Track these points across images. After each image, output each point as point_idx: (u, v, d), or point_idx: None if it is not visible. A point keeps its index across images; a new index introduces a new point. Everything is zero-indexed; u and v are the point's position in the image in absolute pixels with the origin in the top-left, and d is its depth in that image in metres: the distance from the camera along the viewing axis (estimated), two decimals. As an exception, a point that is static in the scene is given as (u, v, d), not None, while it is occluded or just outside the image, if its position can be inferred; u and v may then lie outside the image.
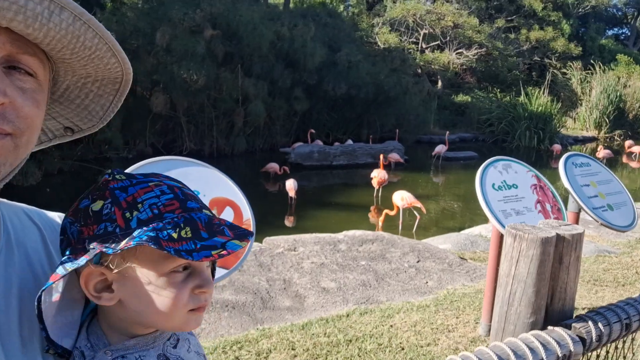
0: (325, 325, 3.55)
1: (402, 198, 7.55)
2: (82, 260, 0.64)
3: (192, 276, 0.70)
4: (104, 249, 0.63)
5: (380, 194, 9.49)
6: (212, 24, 12.51)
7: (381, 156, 10.20)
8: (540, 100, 19.22)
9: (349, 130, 15.80)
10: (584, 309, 3.87)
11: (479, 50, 23.28)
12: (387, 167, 12.35)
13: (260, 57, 12.96)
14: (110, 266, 0.67)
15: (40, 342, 0.68)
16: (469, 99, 22.80)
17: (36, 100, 0.64)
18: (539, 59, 26.11)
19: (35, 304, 0.65)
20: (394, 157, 12.50)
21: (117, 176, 0.70)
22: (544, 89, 20.43)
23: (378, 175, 9.29)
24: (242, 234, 0.70)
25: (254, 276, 4.61)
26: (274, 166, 10.44)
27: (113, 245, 0.63)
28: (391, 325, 3.54)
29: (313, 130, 13.05)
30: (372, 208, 9.10)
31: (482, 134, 19.62)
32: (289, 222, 8.53)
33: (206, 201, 2.19)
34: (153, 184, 0.69)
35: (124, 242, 0.63)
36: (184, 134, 12.66)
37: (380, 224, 7.46)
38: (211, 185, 2.23)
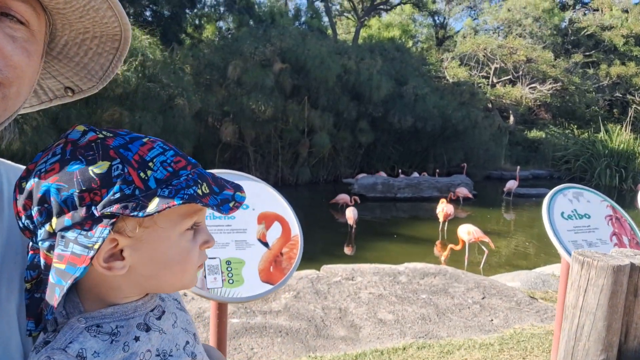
0: (380, 357, 3.40)
1: (468, 232, 7.25)
2: (105, 232, 0.59)
3: (198, 233, 0.69)
4: (134, 214, 0.58)
5: (446, 228, 9.19)
6: (282, 58, 12.91)
7: (451, 193, 9.77)
8: (621, 137, 18.15)
9: (415, 164, 15.58)
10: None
11: (553, 85, 22.45)
12: (455, 201, 12.00)
13: (326, 90, 13.17)
14: (127, 232, 0.62)
15: (18, 305, 0.65)
16: (543, 135, 21.93)
17: (27, 50, 0.61)
18: (620, 95, 24.78)
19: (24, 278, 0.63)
20: (462, 191, 12.12)
21: (104, 133, 0.63)
22: (626, 126, 19.29)
23: (444, 209, 8.97)
24: (237, 186, 0.69)
25: (309, 303, 4.53)
26: (344, 197, 10.29)
27: (139, 208, 0.58)
28: (450, 362, 3.33)
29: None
30: (437, 242, 8.81)
31: (557, 171, 18.72)
32: (348, 250, 8.45)
33: (255, 215, 2.18)
34: (146, 139, 0.65)
35: (157, 202, 0.58)
36: (251, 163, 12.98)
37: (443, 258, 7.18)
38: (260, 199, 2.21)
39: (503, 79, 23.31)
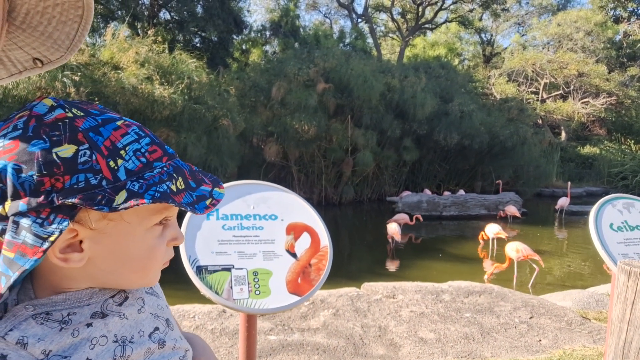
0: (419, 376, 3.27)
1: (517, 250, 6.99)
2: (64, 223, 0.54)
3: (166, 228, 0.64)
4: (98, 207, 0.53)
5: (495, 246, 8.89)
6: (325, 78, 13.03)
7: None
8: (684, 150, 17.19)
9: (462, 182, 15.26)
10: None
11: (608, 99, 21.60)
12: (504, 220, 11.63)
13: (370, 109, 13.16)
14: (89, 224, 0.57)
15: None
16: (598, 151, 21.06)
17: None
18: (681, 107, 23.54)
19: None
20: (510, 209, 11.74)
21: (74, 110, 0.57)
22: (689, 139, 18.28)
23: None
24: (215, 180, 0.65)
25: (348, 321, 4.45)
26: (404, 217, 9.95)
27: (105, 202, 0.54)
28: (493, 383, 3.17)
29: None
30: (484, 260, 8.53)
31: (613, 187, 17.87)
32: (392, 265, 8.33)
33: (284, 225, 2.17)
34: (121, 122, 0.59)
35: (124, 197, 0.54)
36: (295, 182, 13.06)
37: (487, 276, 6.94)
38: (290, 210, 2.20)
39: (554, 94, 22.65)
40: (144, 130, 0.61)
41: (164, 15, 16.09)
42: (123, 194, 0.55)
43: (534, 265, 7.14)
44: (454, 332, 4.27)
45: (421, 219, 10.15)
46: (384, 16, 26.81)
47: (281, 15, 18.32)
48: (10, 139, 0.55)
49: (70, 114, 0.57)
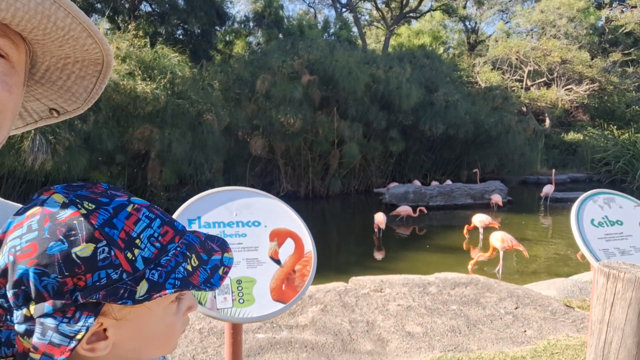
0: (406, 372, 3.31)
1: (502, 240, 7.06)
2: (90, 320, 0.55)
3: (181, 300, 0.67)
4: (122, 302, 0.55)
5: (482, 236, 8.98)
6: (310, 70, 12.97)
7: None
8: (665, 136, 17.44)
9: (448, 171, 15.35)
10: None
11: (591, 86, 21.79)
12: (489, 209, 11.73)
13: (355, 100, 13.14)
14: (112, 315, 0.59)
15: None
16: (581, 137, 21.28)
17: (6, 84, 0.61)
18: (663, 92, 23.84)
19: None
20: (496, 198, 11.85)
21: (86, 205, 0.58)
22: (670, 124, 18.53)
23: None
24: (222, 243, 0.67)
25: (336, 317, 4.47)
26: (406, 209, 10.00)
27: (128, 295, 0.55)
28: (479, 377, 3.21)
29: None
30: (471, 251, 8.61)
31: (596, 173, 18.11)
32: (378, 255, 8.40)
33: (267, 232, 2.16)
34: (130, 207, 0.60)
35: (146, 288, 0.56)
36: (282, 176, 13.04)
37: (470, 266, 7.02)
38: (273, 216, 2.19)
39: (537, 81, 22.79)
40: (152, 210, 0.62)
41: (145, 7, 15.86)
42: (144, 285, 0.56)
43: (501, 259, 7.23)
44: (441, 326, 4.31)
45: (425, 210, 10.22)
46: (368, 5, 26.70)
47: (265, 6, 18.15)
48: (27, 241, 0.55)
49: (83, 210, 0.57)
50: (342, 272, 6.96)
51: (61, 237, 0.55)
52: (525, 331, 4.25)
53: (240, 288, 2.00)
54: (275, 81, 12.21)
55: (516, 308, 4.76)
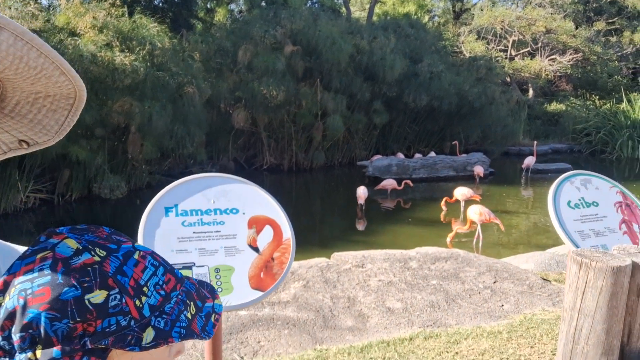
0: (386, 349, 3.38)
1: (480, 213, 7.17)
2: None
3: (172, 346, 0.67)
4: (130, 348, 0.57)
5: (464, 210, 9.09)
6: (292, 40, 12.76)
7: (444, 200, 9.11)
8: (645, 106, 17.64)
9: (431, 143, 15.39)
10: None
11: (574, 56, 21.84)
12: (471, 180, 11.85)
13: (339, 72, 13.01)
14: (116, 358, 0.60)
15: None
16: (564, 108, 21.42)
17: None
18: (644, 63, 24.01)
19: None
20: (478, 169, 11.95)
21: (98, 251, 0.59)
22: (650, 95, 18.72)
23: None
24: (211, 290, 0.69)
25: (318, 293, 4.52)
26: (391, 183, 10.09)
27: (135, 342, 0.57)
28: (456, 353, 3.29)
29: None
30: (452, 223, 8.72)
31: (577, 144, 18.32)
32: (360, 225, 8.60)
33: (245, 219, 2.15)
34: (137, 254, 0.62)
35: (152, 335, 0.58)
36: (265, 149, 12.96)
37: (449, 239, 7.14)
38: (251, 202, 2.18)
39: (522, 51, 22.76)
40: (155, 257, 0.64)
41: (123, -26, 15.34)
42: (150, 332, 0.58)
43: (480, 233, 7.35)
44: (420, 301, 4.39)
45: (410, 183, 10.28)
46: (352, -28, 26.17)
47: (246, -28, 17.68)
48: (39, 285, 0.56)
49: (97, 257, 0.58)
50: (325, 246, 7.02)
51: (75, 283, 0.56)
52: (502, 305, 4.35)
53: (218, 277, 1.99)
54: (257, 52, 12.01)
55: (494, 282, 4.86)
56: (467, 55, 20.03)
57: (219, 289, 1.97)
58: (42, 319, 0.55)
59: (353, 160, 13.77)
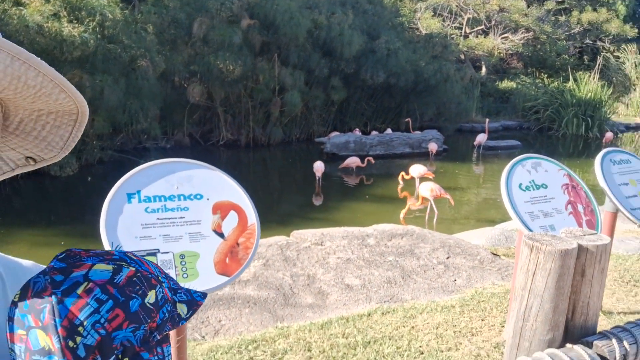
0: (345, 325, 3.48)
1: (431, 190, 7.41)
2: (169, 348, 0.66)
3: None
4: (181, 323, 0.67)
5: (418, 186, 9.31)
6: (249, 14, 12.51)
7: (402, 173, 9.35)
8: (589, 85, 18.37)
9: (388, 120, 15.57)
10: (619, 313, 3.65)
11: (525, 35, 22.41)
12: (426, 157, 12.12)
13: (297, 47, 12.88)
14: None
15: None
16: (514, 85, 22.04)
17: None
18: (591, 42, 24.93)
19: None
20: (432, 146, 12.23)
21: (127, 263, 0.65)
22: (595, 74, 19.49)
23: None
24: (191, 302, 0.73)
25: (278, 271, 4.58)
26: (354, 160, 10.23)
27: (179, 317, 0.67)
28: (412, 327, 3.44)
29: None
30: (408, 199, 8.94)
31: (527, 121, 18.96)
32: (317, 200, 8.80)
33: (210, 205, 2.16)
34: (150, 262, 0.70)
35: (184, 310, 0.68)
36: (221, 124, 12.77)
37: (402, 215, 7.36)
38: (215, 188, 2.18)
39: (476, 29, 23.14)
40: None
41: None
42: (182, 306, 0.69)
43: (435, 209, 7.60)
44: (378, 277, 4.53)
45: (372, 160, 10.43)
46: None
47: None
48: (107, 311, 0.59)
49: (132, 267, 0.64)
50: (283, 224, 7.07)
51: (133, 294, 0.61)
52: (455, 280, 4.55)
53: (183, 263, 2.00)
54: (213, 25, 11.71)
55: (447, 258, 5.05)
56: (424, 32, 20.20)
57: (184, 275, 1.98)
58: (129, 335, 0.60)
59: (311, 136, 13.79)
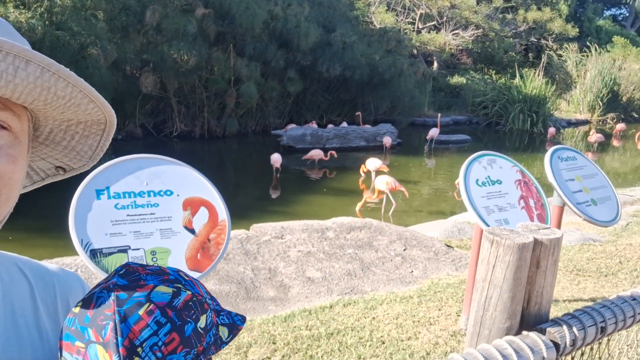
0: (308, 317, 3.55)
1: (387, 183, 7.58)
2: None
3: None
4: (222, 346, 0.69)
5: (374, 179, 9.48)
6: (204, 3, 12.29)
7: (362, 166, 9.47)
8: (535, 82, 19.14)
9: (344, 112, 15.71)
10: (564, 300, 3.89)
11: (475, 32, 23.06)
12: (381, 151, 12.33)
13: (253, 38, 12.78)
14: None
15: None
16: (464, 81, 22.68)
17: (11, 156, 0.62)
18: (535, 40, 25.93)
19: None
20: (387, 140, 12.45)
21: (184, 286, 0.66)
22: (539, 71, 20.32)
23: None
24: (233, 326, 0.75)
25: (239, 265, 4.59)
26: (318, 153, 10.30)
27: (220, 341, 0.69)
28: (373, 318, 3.54)
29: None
30: (364, 192, 9.09)
31: (476, 116, 19.57)
32: (274, 193, 8.91)
33: (180, 201, 2.16)
34: (187, 276, 0.72)
35: (226, 333, 0.70)
36: (175, 115, 12.53)
37: (358, 208, 7.51)
38: (185, 184, 2.18)
39: (428, 24, 23.60)
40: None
41: None
42: (223, 329, 0.70)
43: (392, 200, 7.79)
44: (338, 270, 4.62)
45: (335, 155, 10.51)
46: None
47: None
48: (165, 335, 0.61)
49: (189, 292, 0.66)
50: (242, 217, 7.04)
51: (188, 319, 0.63)
52: (412, 272, 4.70)
53: (155, 259, 2.01)
54: (166, 13, 11.44)
55: (404, 250, 5.21)
56: (378, 26, 20.44)
57: (157, 272, 1.98)
58: (181, 359, 0.62)
59: (267, 128, 13.74)
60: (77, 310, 0.63)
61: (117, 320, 0.59)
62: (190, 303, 0.64)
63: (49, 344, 0.71)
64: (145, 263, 2.09)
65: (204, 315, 0.65)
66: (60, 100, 0.61)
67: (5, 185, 0.61)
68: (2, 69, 0.54)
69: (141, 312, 0.60)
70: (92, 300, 0.62)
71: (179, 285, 0.65)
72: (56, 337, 0.71)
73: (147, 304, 0.61)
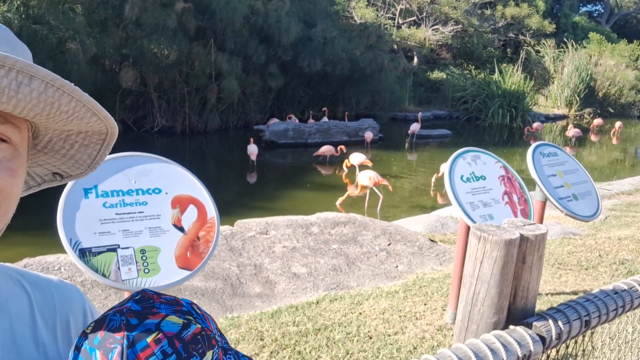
0: (295, 313, 3.56)
1: (370, 178, 7.63)
2: None
3: None
4: None
5: (358, 174, 9.51)
6: (184, -3, 12.15)
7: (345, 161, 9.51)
8: (513, 78, 19.41)
9: (324, 107, 15.73)
10: (547, 294, 3.97)
11: (455, 27, 23.25)
12: (363, 145, 12.37)
13: (233, 32, 12.68)
14: None
15: None
16: (444, 76, 22.86)
17: (11, 170, 0.61)
18: (513, 36, 26.26)
19: None
20: (369, 135, 12.50)
21: (195, 319, 0.66)
22: (518, 67, 20.59)
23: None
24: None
25: (224, 261, 4.58)
26: (329, 149, 10.26)
27: None
28: (360, 313, 3.57)
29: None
30: (348, 186, 9.11)
31: (456, 111, 19.76)
32: (250, 178, 9.19)
33: (169, 199, 2.15)
34: (198, 309, 0.70)
35: None
36: (155, 110, 12.40)
37: (339, 202, 7.55)
38: (174, 182, 2.17)
39: (408, 20, 23.71)
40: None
41: None
42: None
43: (378, 193, 7.85)
44: (324, 265, 4.64)
45: (344, 149, 10.50)
46: None
47: None
48: None
49: (199, 325, 0.64)
50: (225, 213, 6.96)
51: (194, 352, 0.62)
52: (397, 266, 4.74)
53: (144, 258, 1.99)
54: (146, 7, 11.27)
55: (389, 244, 5.25)
56: (358, 21, 20.46)
57: (146, 270, 1.97)
58: None
59: (248, 123, 13.68)
60: (88, 330, 0.62)
61: (124, 345, 0.59)
62: (199, 337, 0.63)
63: (46, 357, 0.70)
64: (135, 261, 2.07)
65: (211, 352, 0.64)
66: (63, 114, 0.60)
67: (4, 199, 0.61)
68: (5, 84, 0.53)
69: (149, 339, 0.60)
70: (104, 322, 0.62)
71: (190, 318, 0.65)
72: (54, 350, 0.70)
73: (156, 333, 0.61)
